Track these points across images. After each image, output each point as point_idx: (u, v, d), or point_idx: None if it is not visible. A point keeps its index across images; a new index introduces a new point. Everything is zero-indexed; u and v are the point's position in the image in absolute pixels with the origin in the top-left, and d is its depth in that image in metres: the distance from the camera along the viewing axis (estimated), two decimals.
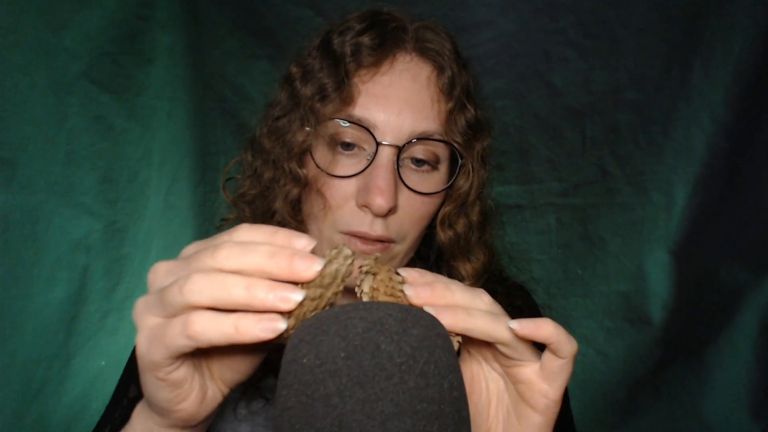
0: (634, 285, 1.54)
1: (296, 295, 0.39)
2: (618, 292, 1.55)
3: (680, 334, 1.52)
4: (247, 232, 0.42)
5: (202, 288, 0.39)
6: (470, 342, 0.49)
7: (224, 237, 0.43)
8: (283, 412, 0.37)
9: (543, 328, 0.45)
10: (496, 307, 0.48)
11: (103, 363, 1.37)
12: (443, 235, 0.73)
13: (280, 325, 0.39)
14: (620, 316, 1.56)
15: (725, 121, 1.43)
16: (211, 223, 1.47)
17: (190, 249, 0.44)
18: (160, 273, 0.43)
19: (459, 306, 0.45)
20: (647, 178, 1.51)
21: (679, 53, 1.44)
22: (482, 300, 0.47)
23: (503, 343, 0.46)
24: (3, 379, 1.19)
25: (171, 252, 1.42)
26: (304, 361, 0.37)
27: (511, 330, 0.45)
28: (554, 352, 0.47)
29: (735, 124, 1.42)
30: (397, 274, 0.48)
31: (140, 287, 1.42)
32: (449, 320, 0.44)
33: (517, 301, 0.83)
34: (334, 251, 0.42)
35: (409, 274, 0.47)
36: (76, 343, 1.32)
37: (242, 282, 0.39)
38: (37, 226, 1.23)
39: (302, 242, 0.41)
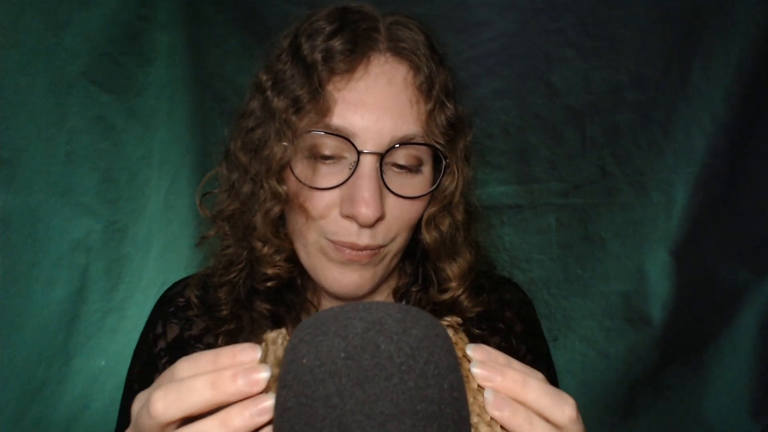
0: (634, 285, 1.54)
1: (263, 374, 0.39)
2: (618, 292, 1.55)
3: (680, 334, 1.52)
4: (188, 366, 0.41)
5: None
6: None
7: (165, 378, 0.42)
8: (283, 413, 0.37)
9: None
10: (576, 426, 0.43)
11: (103, 363, 1.37)
12: (428, 237, 0.71)
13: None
14: (620, 316, 1.55)
15: (725, 121, 1.42)
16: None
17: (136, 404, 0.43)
18: None
19: (525, 407, 0.41)
20: (647, 178, 1.51)
21: (679, 53, 1.44)
22: (563, 411, 0.42)
23: None
24: (3, 379, 1.18)
25: (171, 252, 1.42)
26: (304, 361, 0.37)
27: None
28: None
29: (735, 124, 1.42)
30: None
31: (140, 287, 1.42)
32: (507, 416, 0.40)
33: (506, 295, 0.81)
34: (263, 344, 0.42)
35: (476, 352, 0.44)
36: (76, 343, 1.32)
37: (217, 420, 0.38)
38: (37, 226, 1.23)
39: (247, 355, 0.40)
